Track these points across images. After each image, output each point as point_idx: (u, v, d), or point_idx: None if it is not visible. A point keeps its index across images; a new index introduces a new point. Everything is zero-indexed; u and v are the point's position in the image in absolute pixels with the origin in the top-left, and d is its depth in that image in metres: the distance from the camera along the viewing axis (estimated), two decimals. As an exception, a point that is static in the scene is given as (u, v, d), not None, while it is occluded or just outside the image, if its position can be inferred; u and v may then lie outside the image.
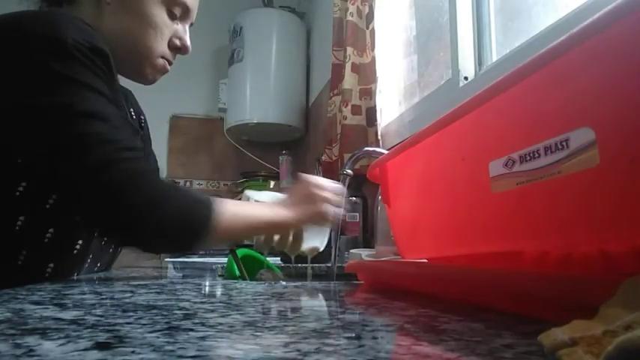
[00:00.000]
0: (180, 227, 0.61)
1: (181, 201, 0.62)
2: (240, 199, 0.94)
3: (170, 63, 0.80)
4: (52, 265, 0.67)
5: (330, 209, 0.76)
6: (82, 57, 0.60)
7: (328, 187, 0.77)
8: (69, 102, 0.58)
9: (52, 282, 0.56)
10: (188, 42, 0.80)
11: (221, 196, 0.71)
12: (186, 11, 0.78)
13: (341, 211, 0.80)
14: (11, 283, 0.53)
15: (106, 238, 0.67)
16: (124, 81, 0.81)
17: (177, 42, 0.79)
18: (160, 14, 0.75)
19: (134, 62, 0.76)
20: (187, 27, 0.81)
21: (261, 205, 0.74)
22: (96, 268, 0.77)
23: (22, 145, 0.61)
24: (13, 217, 0.63)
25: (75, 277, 0.69)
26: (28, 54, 0.59)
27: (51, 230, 0.66)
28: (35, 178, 0.63)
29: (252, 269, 0.97)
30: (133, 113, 0.89)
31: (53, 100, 0.58)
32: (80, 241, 0.70)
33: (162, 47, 0.77)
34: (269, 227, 0.73)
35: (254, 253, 1.02)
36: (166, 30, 0.76)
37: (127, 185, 0.57)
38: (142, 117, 0.94)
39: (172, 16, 0.77)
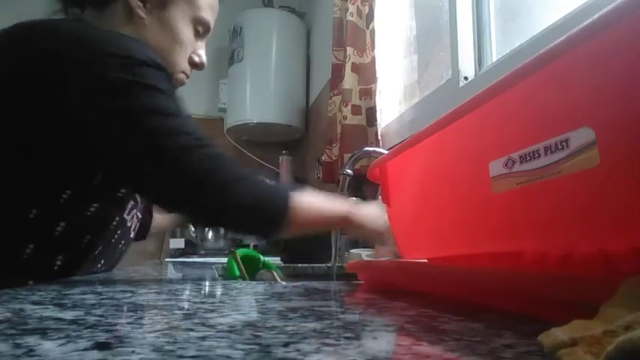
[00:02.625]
0: (262, 209, 0.64)
1: (264, 184, 0.65)
2: None
3: (187, 77, 0.83)
4: (84, 267, 0.70)
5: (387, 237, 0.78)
6: (149, 67, 0.63)
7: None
8: (143, 102, 0.60)
9: (52, 282, 0.56)
10: (205, 58, 0.84)
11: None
12: (207, 30, 0.82)
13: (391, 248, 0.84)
14: (20, 278, 0.54)
15: (189, 220, 0.70)
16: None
17: (196, 58, 0.82)
18: (187, 32, 0.79)
19: None
20: (204, 44, 0.84)
21: (334, 200, 0.76)
22: (97, 269, 0.78)
23: (93, 149, 0.62)
24: (55, 223, 0.64)
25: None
26: (98, 66, 0.60)
27: (88, 236, 0.68)
28: (80, 187, 0.65)
29: (252, 269, 0.97)
30: None
31: (128, 103, 0.60)
32: (101, 247, 0.73)
33: (184, 63, 0.80)
34: (339, 221, 0.75)
35: (254, 253, 1.02)
36: (190, 47, 0.80)
37: (212, 165, 0.61)
38: None
39: (196, 34, 0.81)
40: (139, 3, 0.74)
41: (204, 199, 0.61)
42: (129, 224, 0.78)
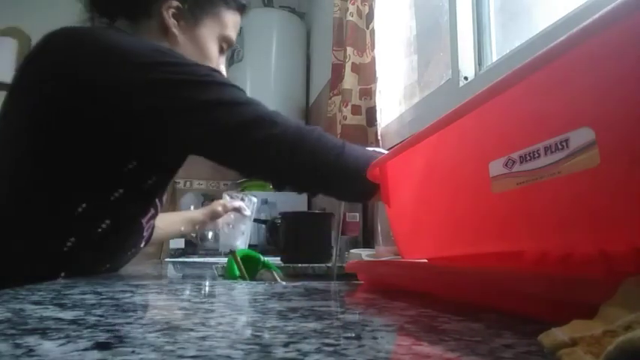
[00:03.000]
0: (361, 178, 0.67)
1: (360, 153, 0.69)
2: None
3: None
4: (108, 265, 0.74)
5: None
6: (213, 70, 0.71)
7: None
8: (232, 97, 0.66)
9: (52, 282, 0.56)
10: (225, 72, 0.87)
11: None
12: (230, 46, 0.88)
13: None
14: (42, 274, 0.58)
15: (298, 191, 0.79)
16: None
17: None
18: (214, 49, 0.84)
19: None
20: (224, 58, 0.89)
21: None
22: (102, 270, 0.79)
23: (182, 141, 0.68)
24: (100, 220, 0.68)
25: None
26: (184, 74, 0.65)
27: (123, 236, 0.73)
28: (131, 187, 0.70)
29: (252, 269, 0.97)
30: None
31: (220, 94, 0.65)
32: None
33: None
34: None
35: (254, 253, 1.02)
36: (214, 62, 0.84)
37: (319, 148, 0.66)
38: None
39: (220, 50, 0.86)
40: (174, 21, 0.79)
41: (311, 177, 0.68)
42: (145, 233, 0.80)
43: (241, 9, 0.88)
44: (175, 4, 0.79)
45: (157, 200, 0.80)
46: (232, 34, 0.86)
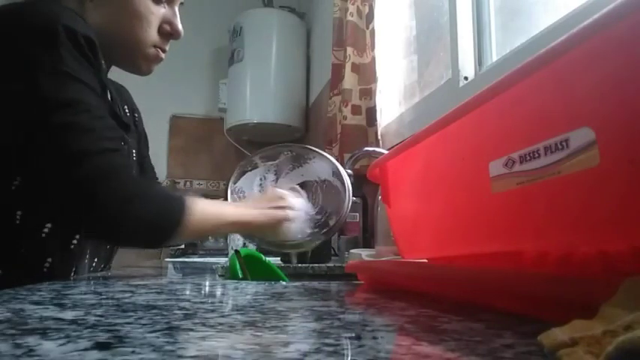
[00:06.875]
0: (151, 226, 0.60)
1: (154, 199, 0.61)
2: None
3: (164, 51, 0.76)
4: (49, 259, 0.67)
5: (290, 216, 0.74)
6: (70, 45, 0.59)
7: (291, 201, 0.76)
8: (51, 89, 0.57)
9: (52, 282, 0.56)
10: (179, 25, 0.75)
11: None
12: None
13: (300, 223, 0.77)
14: (12, 278, 0.53)
15: (78, 230, 0.67)
16: (126, 76, 0.80)
17: (167, 27, 0.75)
18: (143, 2, 0.71)
19: (125, 55, 0.74)
20: (177, 9, 0.76)
21: (228, 204, 0.72)
22: (94, 264, 0.77)
23: (4, 132, 0.59)
24: (12, 212, 0.63)
25: (72, 276, 0.69)
26: (20, 44, 0.58)
27: (48, 225, 0.65)
28: (29, 174, 0.62)
29: (252, 269, 0.96)
30: (127, 110, 0.87)
31: (35, 89, 0.57)
32: (77, 236, 0.70)
33: (151, 36, 0.73)
34: (233, 227, 0.72)
35: (255, 253, 1.02)
36: (153, 17, 0.72)
37: (101, 181, 0.56)
38: (137, 114, 0.92)
39: (157, 1, 0.73)
40: None
41: (91, 216, 0.58)
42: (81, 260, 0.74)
43: None
44: None
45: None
46: None
